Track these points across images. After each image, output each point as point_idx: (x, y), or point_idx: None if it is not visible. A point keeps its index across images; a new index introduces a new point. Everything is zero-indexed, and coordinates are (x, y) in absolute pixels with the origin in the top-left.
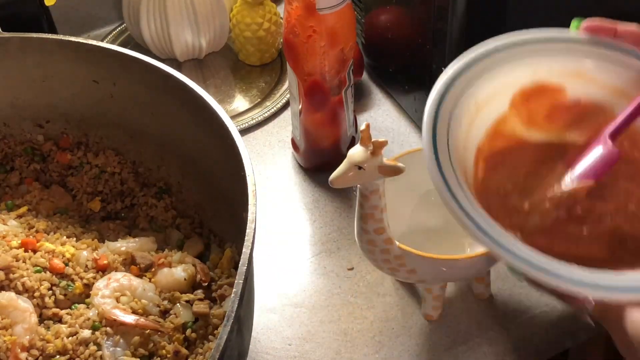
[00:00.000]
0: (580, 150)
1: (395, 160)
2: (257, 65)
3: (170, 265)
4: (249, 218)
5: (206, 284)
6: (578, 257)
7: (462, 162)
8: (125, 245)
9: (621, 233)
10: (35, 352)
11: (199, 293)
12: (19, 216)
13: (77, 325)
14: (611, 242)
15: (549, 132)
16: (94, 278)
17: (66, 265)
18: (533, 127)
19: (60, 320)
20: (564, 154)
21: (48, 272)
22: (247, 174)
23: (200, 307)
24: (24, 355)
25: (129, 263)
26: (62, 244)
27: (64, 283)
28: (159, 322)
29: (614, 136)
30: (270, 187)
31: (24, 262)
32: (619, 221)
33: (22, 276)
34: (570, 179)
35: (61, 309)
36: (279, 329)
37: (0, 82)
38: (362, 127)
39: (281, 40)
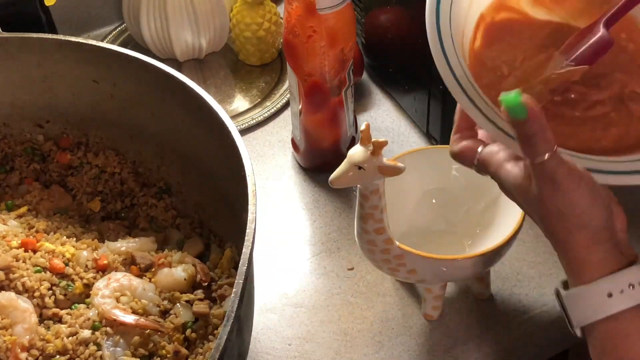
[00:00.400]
0: (577, 37)
1: (395, 160)
2: (257, 65)
3: (170, 265)
4: (249, 218)
5: (206, 284)
6: (565, 135)
7: (461, 26)
8: (125, 245)
9: (608, 120)
10: (35, 352)
11: (199, 293)
12: (19, 216)
13: (77, 325)
14: (597, 126)
15: (555, 13)
16: (94, 278)
17: (66, 265)
18: (540, 6)
19: (60, 320)
20: (564, 40)
21: (48, 272)
22: (247, 174)
23: (200, 307)
24: (24, 355)
25: (129, 263)
26: (62, 244)
27: (64, 283)
28: (159, 322)
29: (609, 24)
30: (270, 187)
31: (24, 262)
32: (608, 109)
33: (22, 276)
34: (566, 63)
35: (61, 309)
36: (279, 329)
37: (0, 82)
38: (362, 127)
39: (281, 40)
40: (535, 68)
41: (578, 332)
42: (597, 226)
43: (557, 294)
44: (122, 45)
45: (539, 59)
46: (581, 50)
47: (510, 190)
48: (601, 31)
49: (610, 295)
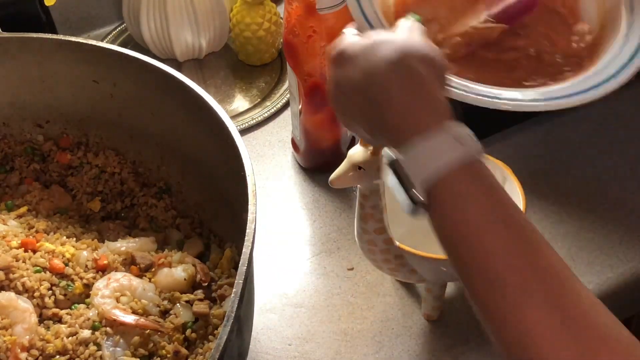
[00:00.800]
0: None
1: None
2: (257, 65)
3: (170, 265)
4: (248, 218)
5: (206, 284)
6: (481, 80)
7: None
8: (125, 245)
9: (517, 65)
10: (35, 352)
11: (199, 293)
12: (19, 216)
13: (77, 325)
14: (503, 68)
15: None
16: (94, 278)
17: (66, 265)
18: None
19: (60, 320)
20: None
21: (48, 272)
22: (247, 174)
23: (200, 307)
24: (24, 355)
25: (129, 263)
26: (62, 244)
27: (64, 283)
28: (159, 322)
29: None
30: (270, 187)
31: (24, 262)
32: (521, 55)
33: (22, 276)
34: (485, 18)
35: (61, 309)
36: (279, 329)
37: (0, 82)
38: None
39: (281, 40)
40: (458, 18)
41: (422, 196)
42: (444, 67)
43: (393, 164)
44: (122, 45)
45: (464, 9)
46: (505, 7)
47: (356, 52)
48: None
49: (457, 139)
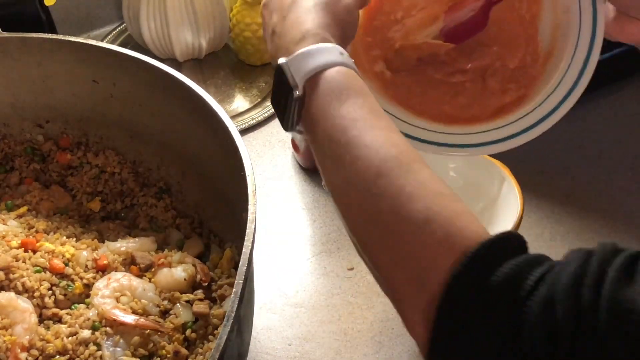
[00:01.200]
0: (462, 3)
1: None
2: (257, 65)
3: (170, 265)
4: (249, 218)
5: (206, 284)
6: (413, 94)
7: None
8: (125, 245)
9: (461, 89)
10: (35, 352)
11: (199, 293)
12: (19, 216)
13: (77, 325)
14: (448, 91)
15: None
16: (94, 278)
17: (66, 265)
18: None
19: (60, 320)
20: None
21: (48, 272)
22: (247, 174)
23: (200, 307)
24: (24, 355)
25: (129, 263)
26: (62, 244)
27: (64, 283)
28: (159, 322)
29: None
30: (270, 187)
31: (24, 262)
32: (467, 78)
33: (22, 276)
34: (436, 33)
35: (61, 309)
36: (279, 329)
37: (0, 82)
38: None
39: None
40: (425, 21)
41: (299, 89)
42: (351, 25)
43: (280, 66)
44: (122, 45)
45: (431, 13)
46: (458, 23)
47: None
48: (477, 9)
49: (338, 52)
